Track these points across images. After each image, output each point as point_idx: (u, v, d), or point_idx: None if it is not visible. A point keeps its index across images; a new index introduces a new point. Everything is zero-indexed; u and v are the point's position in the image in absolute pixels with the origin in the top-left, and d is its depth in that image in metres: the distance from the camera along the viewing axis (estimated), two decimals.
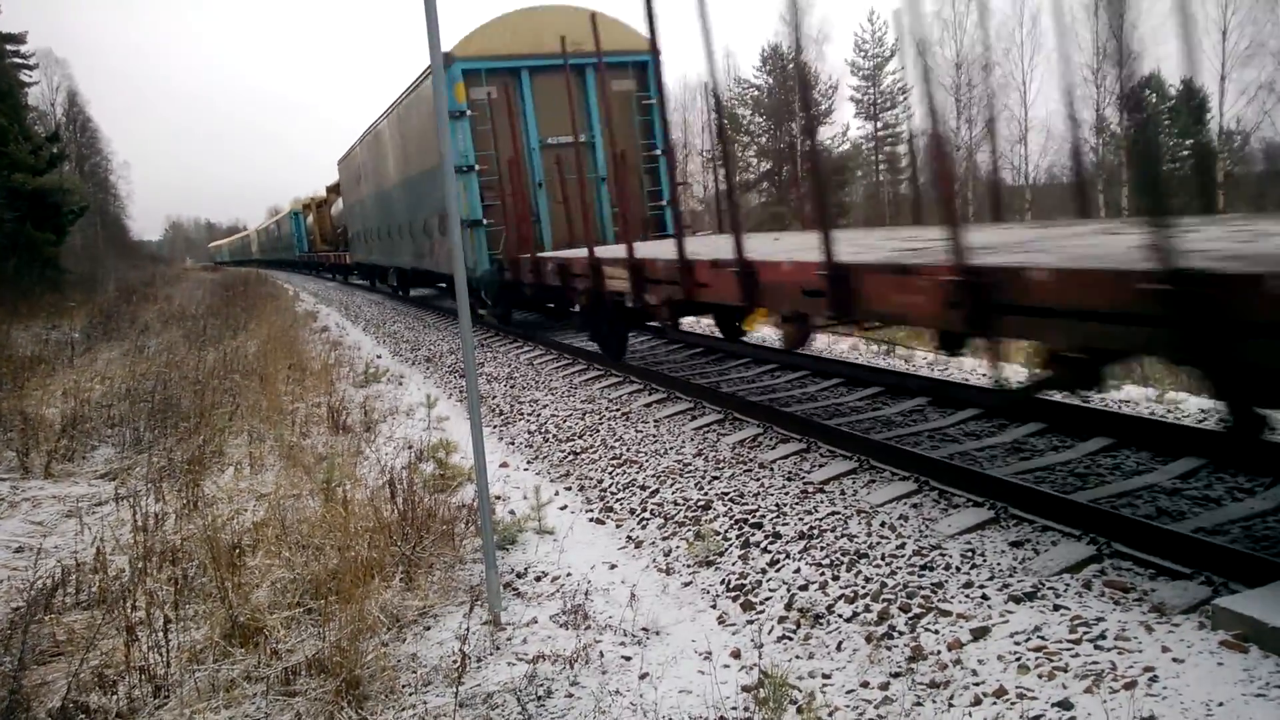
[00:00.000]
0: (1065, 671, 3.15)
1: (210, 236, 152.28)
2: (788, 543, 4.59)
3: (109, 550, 4.98)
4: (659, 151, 13.35)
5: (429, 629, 4.01)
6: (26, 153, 27.56)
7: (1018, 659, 3.27)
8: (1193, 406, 6.52)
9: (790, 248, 7.11)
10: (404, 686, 3.52)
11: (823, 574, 4.20)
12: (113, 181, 64.81)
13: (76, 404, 8.97)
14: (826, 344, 10.25)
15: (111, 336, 15.91)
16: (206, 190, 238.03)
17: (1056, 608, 3.61)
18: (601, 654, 3.72)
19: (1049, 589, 3.79)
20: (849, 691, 3.32)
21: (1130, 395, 6.96)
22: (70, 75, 59.00)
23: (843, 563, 4.27)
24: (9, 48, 39.69)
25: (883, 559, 4.25)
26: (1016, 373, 7.32)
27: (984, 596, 3.78)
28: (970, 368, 8.44)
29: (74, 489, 6.74)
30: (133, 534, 5.11)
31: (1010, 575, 3.95)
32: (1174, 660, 3.11)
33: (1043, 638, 3.39)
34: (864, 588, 4.00)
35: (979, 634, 3.48)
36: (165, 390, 9.19)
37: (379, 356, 13.20)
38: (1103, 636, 3.32)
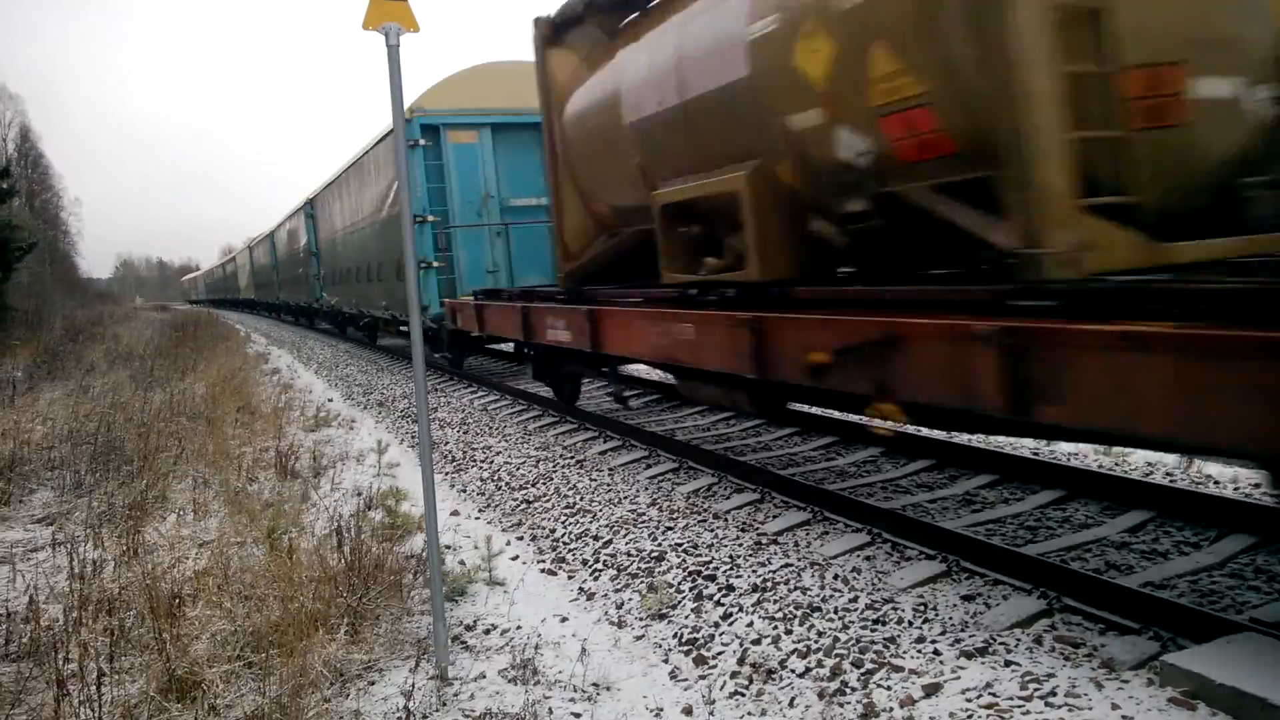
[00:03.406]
0: None
1: (162, 275, 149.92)
2: (741, 595, 4.56)
3: (43, 599, 4.81)
4: None
5: (373, 684, 3.90)
6: None
7: (969, 716, 3.26)
8: (1139, 459, 6.61)
9: None
10: None
11: (776, 628, 4.17)
12: (63, 218, 63.62)
13: (15, 445, 8.70)
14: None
15: (55, 376, 15.53)
16: (159, 230, 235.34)
17: (1008, 663, 3.62)
18: (550, 711, 3.65)
19: (1000, 644, 3.79)
20: None
21: (1080, 448, 7.05)
22: (24, 111, 58.29)
23: (796, 616, 4.24)
24: None
25: (836, 612, 4.23)
26: None
27: (936, 652, 3.77)
28: None
29: (9, 534, 6.51)
30: (69, 581, 4.93)
31: (962, 630, 3.95)
32: (1123, 718, 3.11)
33: (994, 694, 3.38)
34: (817, 642, 3.97)
35: (931, 690, 3.47)
36: (109, 433, 8.96)
37: (330, 400, 13.02)
38: (1053, 693, 3.32)
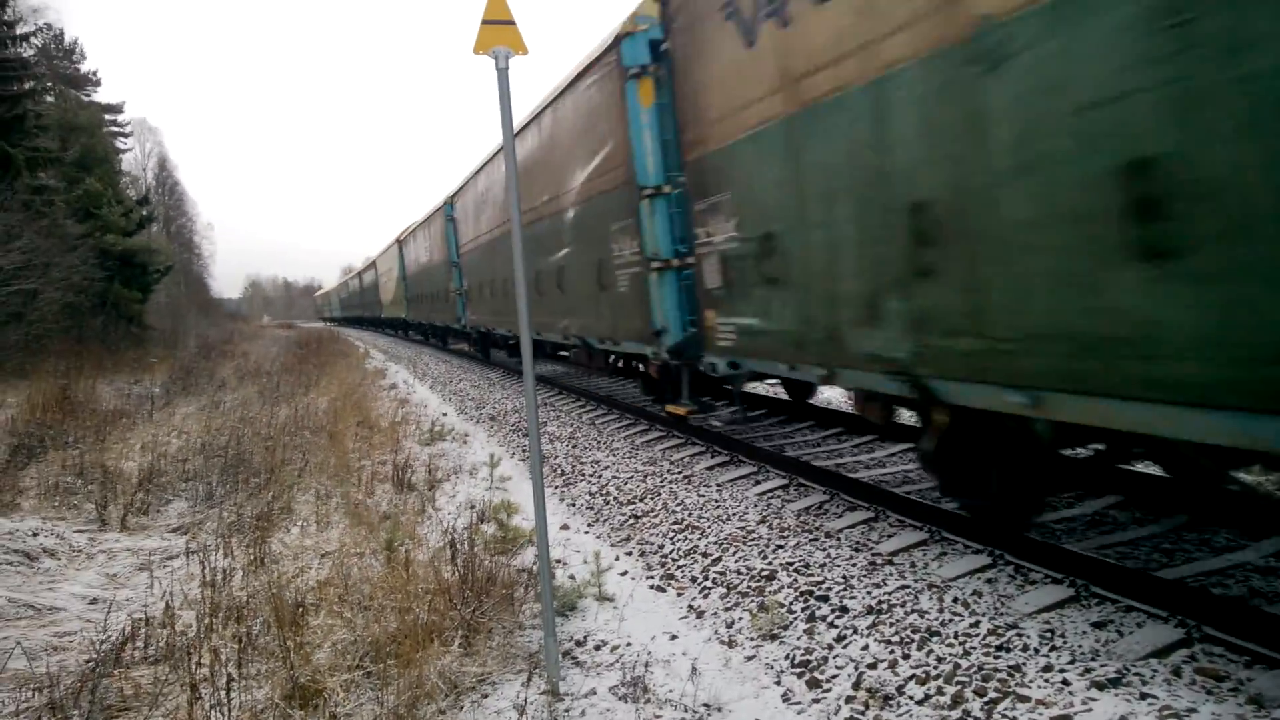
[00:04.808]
0: None
1: (288, 295, 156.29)
2: (855, 617, 4.45)
3: (177, 605, 5.04)
4: None
5: (487, 697, 3.94)
6: (118, 215, 28.90)
7: None
8: None
9: None
10: None
11: (892, 652, 4.05)
12: (197, 242, 67.36)
13: (154, 458, 9.19)
14: None
15: (190, 391, 16.36)
16: (285, 251, 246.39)
17: (1143, 696, 3.42)
18: None
19: (1135, 675, 3.59)
20: None
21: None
22: (161, 142, 62.03)
23: (913, 640, 4.11)
24: (107, 117, 42.01)
25: (955, 638, 4.08)
26: None
27: (1064, 682, 3.59)
28: None
29: (147, 542, 6.86)
30: (201, 589, 5.16)
31: (1093, 659, 3.76)
32: None
33: None
34: (936, 668, 3.84)
35: None
36: (238, 446, 9.37)
37: (444, 414, 13.33)
38: None
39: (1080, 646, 3.89)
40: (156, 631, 4.66)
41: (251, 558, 5.81)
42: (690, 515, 6.57)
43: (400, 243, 30.67)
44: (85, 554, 6.54)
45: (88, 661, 4.37)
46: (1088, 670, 3.65)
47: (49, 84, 31.39)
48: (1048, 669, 3.71)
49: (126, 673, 4.21)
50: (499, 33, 4.09)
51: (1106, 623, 4.12)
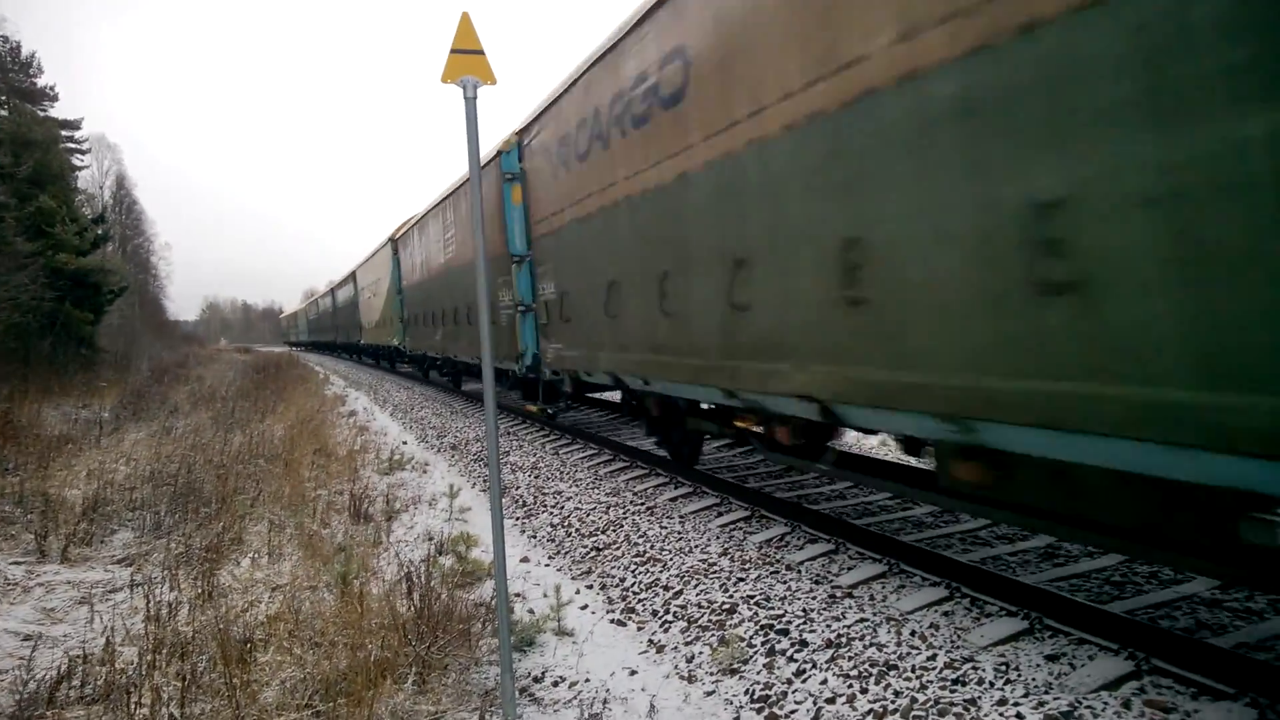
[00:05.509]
0: None
1: (247, 318, 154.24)
2: (815, 651, 4.43)
3: (119, 641, 4.90)
4: None
5: None
6: (72, 234, 28.37)
7: None
8: None
9: None
10: None
11: (851, 686, 4.03)
12: (154, 262, 66.34)
13: (99, 486, 8.97)
14: (854, 439, 10.12)
15: (140, 417, 16.04)
16: (244, 273, 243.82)
17: None
18: None
19: (1086, 708, 3.61)
20: None
21: None
22: (120, 160, 60.99)
23: (871, 674, 4.10)
24: (64, 133, 41.32)
25: (913, 671, 4.08)
26: None
27: (1019, 715, 3.60)
28: None
29: (89, 574, 6.68)
30: (144, 624, 5.03)
31: (1046, 692, 3.77)
32: None
33: None
34: (894, 702, 3.83)
35: None
36: (189, 474, 9.19)
37: (404, 443, 13.18)
38: None
39: (1034, 679, 3.91)
40: (94, 669, 4.51)
41: (199, 591, 5.67)
42: (653, 547, 6.53)
43: (395, 243, 22.01)
44: (21, 587, 6.35)
45: (19, 700, 4.22)
46: (1041, 704, 3.66)
47: (2, 97, 30.84)
48: (1002, 702, 3.72)
49: (60, 714, 4.07)
50: (468, 62, 4.08)
51: (1060, 655, 4.15)
